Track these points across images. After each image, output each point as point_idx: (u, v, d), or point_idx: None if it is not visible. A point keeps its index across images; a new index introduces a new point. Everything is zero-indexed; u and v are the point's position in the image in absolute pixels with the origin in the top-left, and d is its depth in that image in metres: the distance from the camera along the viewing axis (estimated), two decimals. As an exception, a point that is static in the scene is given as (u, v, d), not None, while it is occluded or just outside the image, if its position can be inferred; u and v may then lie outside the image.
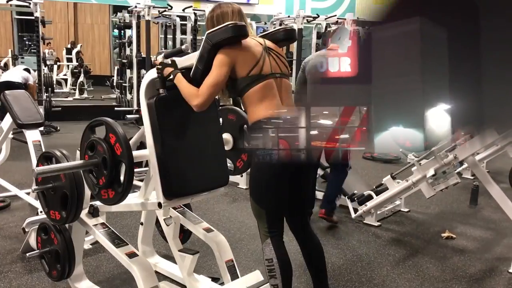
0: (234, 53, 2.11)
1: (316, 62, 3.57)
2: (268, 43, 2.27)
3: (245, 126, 2.62)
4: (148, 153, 2.22)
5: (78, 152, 2.37)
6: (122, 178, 2.09)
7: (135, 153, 2.16)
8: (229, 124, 2.77)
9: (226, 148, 2.67)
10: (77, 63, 12.37)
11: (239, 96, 2.22)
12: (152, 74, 2.26)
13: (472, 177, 5.42)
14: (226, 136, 2.72)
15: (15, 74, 7.63)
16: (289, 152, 2.11)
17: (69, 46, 13.39)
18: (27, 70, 8.07)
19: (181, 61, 2.24)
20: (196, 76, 2.15)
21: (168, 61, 2.22)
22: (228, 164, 2.66)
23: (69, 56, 12.78)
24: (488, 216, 4.34)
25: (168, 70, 2.19)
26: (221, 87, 2.14)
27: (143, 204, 2.34)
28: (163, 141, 2.18)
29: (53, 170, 2.14)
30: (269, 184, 2.19)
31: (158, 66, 2.20)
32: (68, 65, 12.65)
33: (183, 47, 2.22)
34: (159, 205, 2.23)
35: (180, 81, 2.15)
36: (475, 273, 3.19)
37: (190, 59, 2.22)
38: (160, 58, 2.23)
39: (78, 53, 12.61)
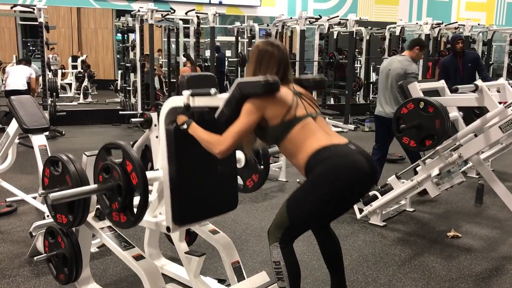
0: (264, 103, 2.08)
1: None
2: (297, 88, 2.26)
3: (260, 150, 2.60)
4: (161, 175, 2.25)
5: (84, 157, 2.39)
6: (135, 208, 2.10)
7: (148, 175, 2.14)
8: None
9: (238, 166, 2.67)
10: (82, 69, 12.44)
11: (276, 143, 2.19)
12: (173, 101, 2.25)
13: (477, 176, 5.41)
14: (239, 154, 2.71)
15: (19, 80, 7.66)
16: (356, 168, 2.08)
17: (78, 55, 13.49)
18: (27, 62, 8.18)
19: (207, 100, 2.20)
20: (220, 120, 2.11)
21: (188, 100, 2.17)
22: (239, 183, 2.68)
23: (75, 63, 12.86)
24: (494, 215, 4.33)
25: (182, 118, 2.18)
26: (246, 136, 2.14)
27: (152, 223, 2.37)
28: (177, 168, 2.19)
29: (69, 196, 2.13)
30: (320, 205, 2.12)
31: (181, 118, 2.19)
32: (72, 72, 12.72)
33: (211, 91, 2.17)
34: (168, 229, 2.26)
35: (196, 131, 2.14)
36: (482, 272, 3.18)
37: (216, 101, 2.17)
38: (186, 95, 2.17)
39: (83, 61, 12.67)
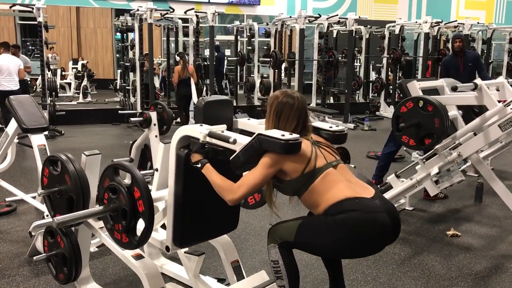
0: (282, 158, 2.04)
1: None
2: (315, 137, 2.23)
3: None
4: (166, 195, 2.26)
5: (83, 156, 2.39)
6: (139, 231, 2.09)
7: (153, 195, 2.13)
8: None
9: None
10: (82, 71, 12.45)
11: (296, 195, 2.16)
12: (187, 130, 2.23)
13: (476, 175, 5.41)
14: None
15: (13, 80, 7.53)
16: (379, 227, 2.04)
17: (80, 59, 13.51)
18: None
19: (223, 142, 2.13)
20: (235, 164, 2.07)
21: (204, 139, 2.13)
22: None
23: (75, 66, 12.87)
24: (493, 214, 4.33)
25: (196, 157, 2.16)
26: (259, 188, 2.13)
27: (153, 239, 2.35)
28: (184, 192, 2.20)
29: (74, 219, 2.12)
30: (330, 248, 2.10)
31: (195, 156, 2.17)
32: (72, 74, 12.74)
33: (231, 139, 2.07)
34: (167, 248, 2.29)
35: (210, 173, 2.11)
36: (481, 270, 3.19)
37: (234, 146, 2.10)
38: (203, 133, 2.13)
39: (83, 65, 12.66)
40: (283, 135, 1.99)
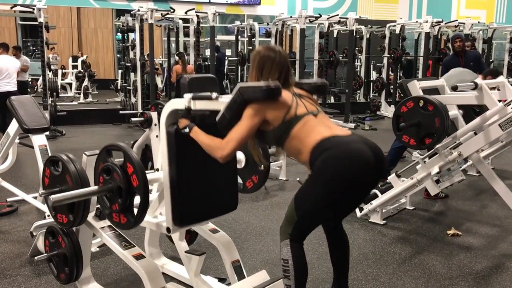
0: (264, 107, 2.10)
1: None
2: (297, 90, 2.26)
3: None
4: (162, 176, 2.25)
5: (84, 156, 2.39)
6: (135, 208, 2.10)
7: (148, 176, 2.15)
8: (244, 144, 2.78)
9: (238, 166, 2.67)
10: (82, 69, 12.45)
11: (279, 144, 2.19)
12: (174, 104, 2.25)
13: (477, 174, 5.41)
14: (240, 155, 2.71)
15: (11, 81, 7.49)
16: (360, 157, 2.05)
17: (79, 55, 13.49)
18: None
19: (208, 103, 2.19)
20: (221, 123, 2.12)
21: (190, 103, 2.17)
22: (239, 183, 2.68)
23: (75, 63, 12.87)
24: (494, 213, 4.33)
25: (184, 122, 2.19)
26: (247, 140, 2.15)
27: (153, 224, 2.37)
28: (178, 169, 2.20)
29: (69, 198, 2.13)
30: (323, 200, 2.10)
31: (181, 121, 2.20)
32: (73, 72, 12.74)
33: (213, 95, 2.16)
34: (168, 230, 2.27)
35: (198, 135, 2.15)
36: (482, 270, 3.19)
37: (218, 104, 2.17)
38: (187, 98, 2.17)
39: (83, 62, 12.67)
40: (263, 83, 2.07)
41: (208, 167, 2.26)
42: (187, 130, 2.18)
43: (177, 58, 9.08)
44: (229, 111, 2.10)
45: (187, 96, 2.18)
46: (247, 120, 2.09)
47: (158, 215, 2.44)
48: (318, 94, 2.42)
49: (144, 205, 2.06)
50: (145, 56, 8.79)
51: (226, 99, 2.14)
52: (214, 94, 2.16)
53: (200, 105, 2.18)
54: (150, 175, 2.30)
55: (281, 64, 2.23)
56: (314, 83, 2.41)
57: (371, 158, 2.06)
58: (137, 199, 2.10)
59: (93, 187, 2.20)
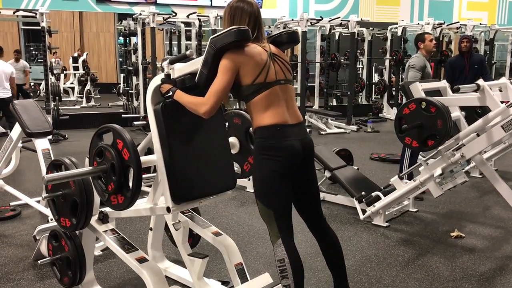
0: (238, 58, 2.14)
1: None
2: (273, 49, 2.29)
3: (251, 128, 2.64)
4: (156, 158, 2.25)
5: (87, 160, 2.40)
6: (130, 183, 2.12)
7: (142, 158, 2.20)
8: (235, 128, 2.79)
9: (233, 151, 2.69)
10: (84, 71, 12.47)
11: (244, 101, 2.25)
12: (157, 80, 2.29)
13: (480, 176, 5.40)
14: (233, 139, 2.75)
15: (4, 88, 7.23)
16: (289, 151, 2.17)
17: (75, 54, 13.50)
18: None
19: (186, 67, 2.26)
20: (200, 81, 2.18)
21: (168, 69, 2.24)
22: (236, 168, 2.68)
23: (76, 64, 12.89)
24: (497, 215, 4.32)
25: (166, 87, 2.23)
26: (227, 92, 2.17)
27: (152, 209, 2.36)
28: (170, 146, 2.21)
29: (63, 177, 2.18)
30: (273, 183, 2.20)
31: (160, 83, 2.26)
32: (74, 74, 12.76)
33: (187, 52, 2.26)
34: (168, 209, 2.25)
35: (181, 96, 2.19)
36: (485, 271, 3.18)
37: (195, 64, 2.23)
38: (165, 65, 2.25)
39: (84, 61, 12.70)
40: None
41: (200, 144, 2.30)
42: (170, 93, 2.21)
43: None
44: (205, 66, 2.15)
45: (164, 63, 2.25)
46: (223, 72, 2.13)
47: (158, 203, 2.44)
48: (291, 44, 2.45)
49: (138, 176, 2.09)
50: (147, 60, 8.80)
51: (201, 57, 2.18)
52: (189, 51, 2.23)
53: (178, 69, 2.24)
54: (144, 157, 2.33)
55: (252, 13, 2.25)
56: (286, 32, 2.40)
57: (299, 151, 2.21)
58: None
59: (88, 168, 2.24)
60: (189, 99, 2.18)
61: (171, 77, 2.25)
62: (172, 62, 2.25)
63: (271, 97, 2.19)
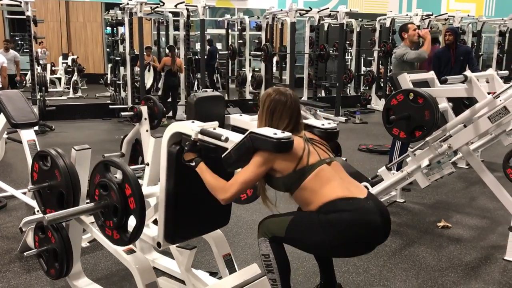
0: (274, 157, 2.03)
1: None
2: (309, 135, 2.22)
3: None
4: (158, 191, 2.25)
5: (73, 151, 2.37)
6: (130, 228, 2.08)
7: (144, 191, 2.10)
8: None
9: None
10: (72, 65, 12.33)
11: (288, 192, 2.15)
12: (178, 126, 2.19)
13: (467, 167, 5.45)
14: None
15: None
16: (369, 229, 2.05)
17: (69, 54, 13.38)
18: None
19: (215, 140, 2.10)
20: (227, 162, 2.07)
21: (197, 137, 2.10)
22: None
23: (65, 61, 12.74)
24: (483, 205, 4.37)
25: (189, 155, 2.13)
26: (251, 186, 2.13)
27: (144, 234, 2.33)
28: (175, 188, 2.18)
29: (65, 216, 2.11)
30: (320, 246, 2.11)
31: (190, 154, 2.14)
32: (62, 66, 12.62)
33: (223, 138, 2.03)
34: (158, 244, 2.27)
35: (204, 172, 2.10)
36: (471, 261, 3.22)
37: (226, 144, 2.08)
38: (195, 130, 2.10)
39: (73, 60, 12.54)
40: (275, 134, 1.98)
41: (205, 187, 2.17)
42: (193, 164, 2.13)
43: (167, 51, 9.10)
44: (236, 152, 2.03)
45: (195, 127, 2.11)
46: (254, 167, 2.03)
47: (150, 223, 2.44)
48: (329, 141, 2.31)
49: (140, 228, 2.03)
50: (135, 50, 8.73)
51: (235, 138, 2.06)
52: (224, 136, 2.03)
53: (207, 139, 2.11)
54: (146, 190, 2.28)
55: (292, 108, 2.17)
56: (325, 129, 2.30)
57: (381, 231, 2.09)
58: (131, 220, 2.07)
59: (89, 205, 2.15)
60: (211, 180, 2.09)
61: (197, 144, 2.12)
62: (204, 134, 2.09)
63: (321, 175, 2.07)
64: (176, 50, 9.05)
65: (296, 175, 2.06)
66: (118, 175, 2.06)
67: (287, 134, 2.01)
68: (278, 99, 2.17)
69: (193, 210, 2.31)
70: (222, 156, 2.07)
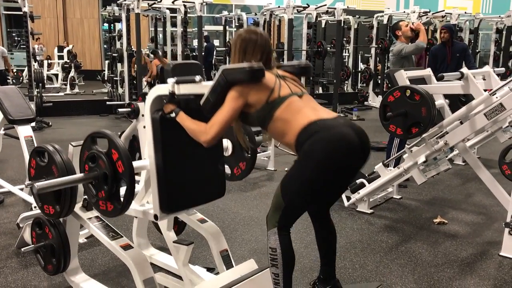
0: (247, 89, 2.10)
1: None
2: (280, 72, 2.26)
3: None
4: (148, 164, 2.24)
5: (70, 147, 2.37)
6: (122, 193, 2.09)
7: (135, 164, 2.14)
8: (228, 131, 2.77)
9: (225, 154, 2.67)
10: (69, 60, 12.30)
11: (263, 126, 2.19)
12: (158, 90, 2.23)
13: (463, 163, 5.47)
14: (226, 142, 2.72)
15: None
16: (341, 139, 2.05)
17: (63, 45, 13.30)
18: None
19: (192, 88, 2.19)
20: (205, 107, 2.13)
21: (174, 88, 2.16)
22: (227, 171, 2.67)
23: (61, 53, 12.71)
24: (479, 201, 4.39)
25: (169, 106, 2.18)
26: (231, 123, 2.15)
27: (140, 212, 2.36)
28: (164, 156, 2.19)
29: (54, 185, 2.12)
30: (311, 183, 2.10)
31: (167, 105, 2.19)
32: (59, 62, 12.58)
33: (196, 78, 2.16)
34: (155, 217, 2.26)
35: (184, 120, 2.15)
36: (467, 257, 3.24)
37: (202, 88, 2.16)
38: (171, 82, 2.16)
39: (69, 52, 12.51)
40: (247, 65, 2.08)
41: (195, 154, 2.26)
42: (173, 114, 2.18)
43: (151, 56, 8.94)
44: (213, 94, 2.11)
45: (171, 80, 2.17)
46: (230, 102, 2.09)
47: (146, 203, 2.44)
48: (302, 76, 2.42)
49: (130, 192, 2.06)
50: (132, 47, 8.70)
51: (210, 82, 2.15)
52: (198, 77, 2.16)
53: (184, 89, 2.18)
54: (136, 162, 2.28)
55: (263, 46, 2.23)
56: (298, 65, 2.39)
57: (357, 143, 2.07)
58: (123, 190, 2.09)
59: (79, 175, 2.19)
60: (191, 125, 2.14)
61: (176, 96, 2.17)
62: (179, 82, 2.17)
63: (293, 105, 2.12)
64: (160, 53, 8.86)
65: (268, 106, 2.11)
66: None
67: (258, 63, 2.11)
68: (249, 37, 2.23)
69: (185, 179, 2.30)
70: (201, 102, 2.13)
